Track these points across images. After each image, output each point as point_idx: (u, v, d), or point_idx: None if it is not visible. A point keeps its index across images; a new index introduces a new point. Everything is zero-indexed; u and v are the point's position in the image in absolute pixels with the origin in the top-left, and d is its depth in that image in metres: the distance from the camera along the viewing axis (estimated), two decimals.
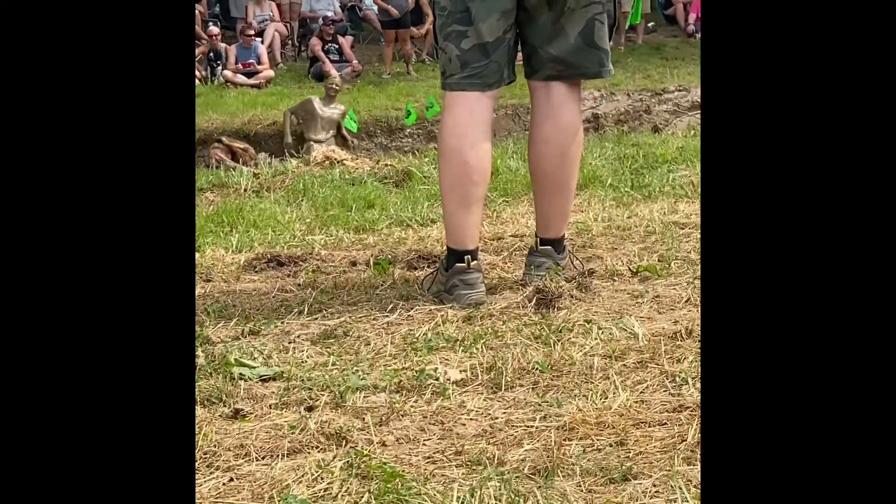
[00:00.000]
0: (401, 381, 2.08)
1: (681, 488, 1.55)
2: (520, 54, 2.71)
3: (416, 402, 1.98)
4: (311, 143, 9.66)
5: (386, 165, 5.96)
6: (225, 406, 1.99)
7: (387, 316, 2.54)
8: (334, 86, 10.25)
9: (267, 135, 10.23)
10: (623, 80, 11.39)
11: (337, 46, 13.47)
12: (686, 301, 2.55)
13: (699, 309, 2.34)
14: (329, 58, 13.22)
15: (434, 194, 4.28)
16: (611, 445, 1.73)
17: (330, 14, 14.33)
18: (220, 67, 13.05)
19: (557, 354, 2.18)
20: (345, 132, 10.07)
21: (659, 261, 2.98)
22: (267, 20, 14.62)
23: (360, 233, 3.76)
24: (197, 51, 13.10)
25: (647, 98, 10.81)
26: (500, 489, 1.57)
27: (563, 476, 1.62)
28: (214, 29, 13.64)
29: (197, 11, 13.97)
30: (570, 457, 1.68)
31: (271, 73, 13.05)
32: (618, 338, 2.29)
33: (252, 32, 13.36)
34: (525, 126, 9.08)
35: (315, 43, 13.35)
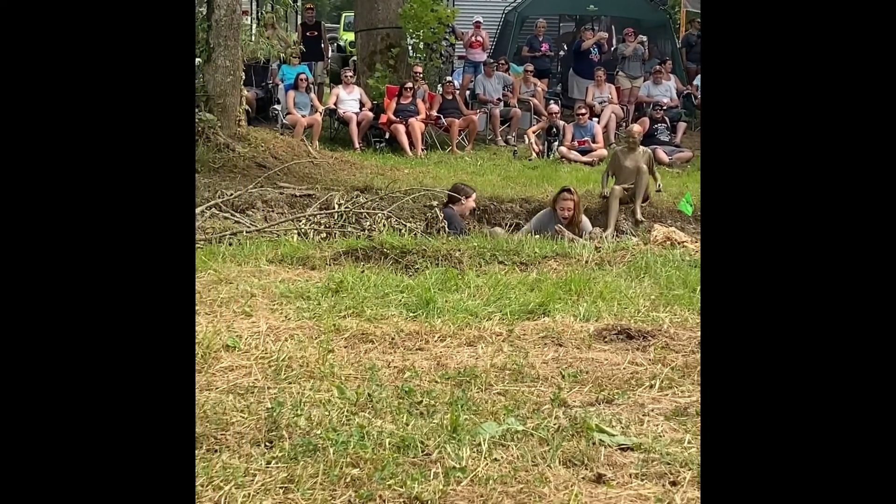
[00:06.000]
0: None
1: None
2: None
3: None
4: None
5: None
6: (587, 469, 2.02)
7: None
8: (631, 138, 10.38)
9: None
10: None
11: (666, 126, 13.44)
12: None
13: None
14: (659, 139, 13.15)
15: None
16: None
17: (666, 100, 14.46)
18: (556, 143, 13.33)
19: None
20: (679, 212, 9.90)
21: None
22: (605, 101, 14.77)
23: None
24: (537, 126, 13.83)
25: None
26: None
27: None
28: (554, 107, 14.09)
29: (539, 88, 14.79)
30: None
31: (604, 151, 13.07)
32: None
33: (585, 112, 13.54)
34: None
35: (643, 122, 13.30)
